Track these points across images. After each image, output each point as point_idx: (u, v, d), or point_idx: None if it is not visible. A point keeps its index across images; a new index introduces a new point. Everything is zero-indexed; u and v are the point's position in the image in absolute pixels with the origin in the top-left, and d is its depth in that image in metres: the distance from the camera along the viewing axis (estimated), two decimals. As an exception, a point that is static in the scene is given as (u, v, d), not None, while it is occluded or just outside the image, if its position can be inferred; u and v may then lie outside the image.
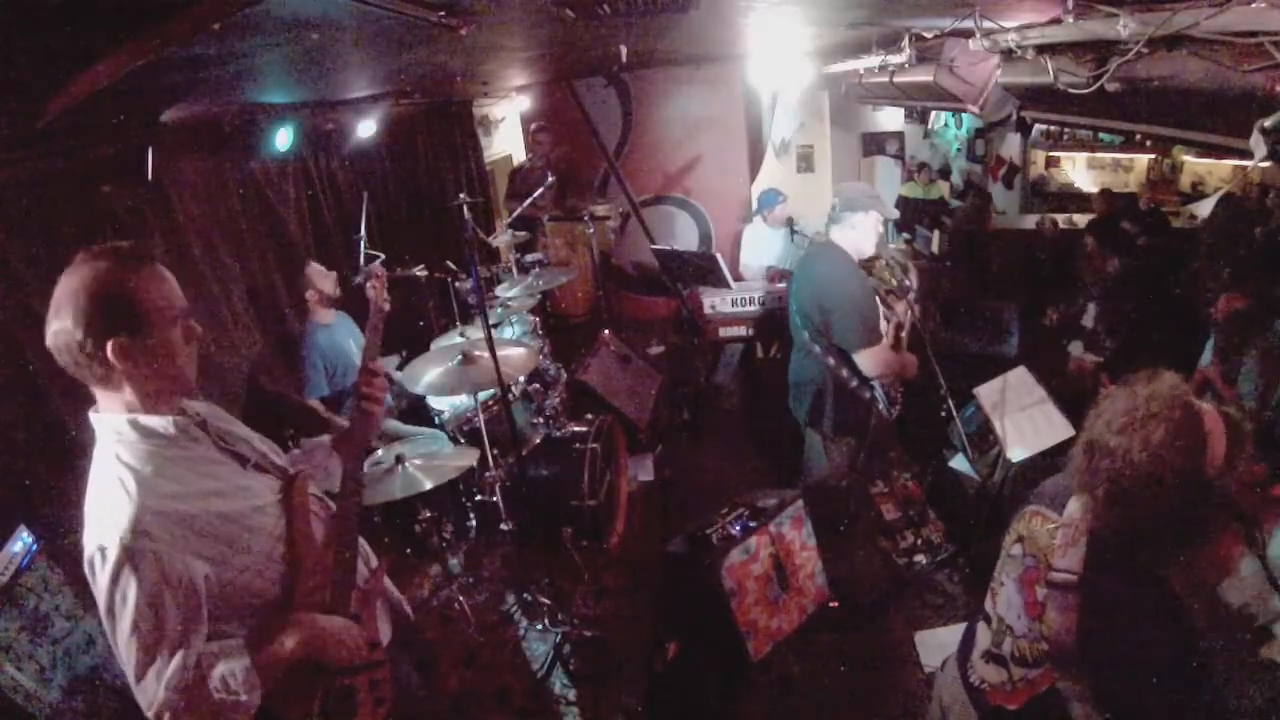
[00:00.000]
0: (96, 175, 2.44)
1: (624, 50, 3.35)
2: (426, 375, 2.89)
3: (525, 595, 3.04)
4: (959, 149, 8.36)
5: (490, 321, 2.94)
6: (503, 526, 3.04)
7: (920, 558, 3.32)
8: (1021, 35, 1.99)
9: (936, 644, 2.80)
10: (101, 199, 2.48)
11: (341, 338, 3.36)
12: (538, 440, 3.39)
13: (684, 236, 6.10)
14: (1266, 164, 1.29)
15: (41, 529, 2.02)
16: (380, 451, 2.85)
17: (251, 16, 1.25)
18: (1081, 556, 1.23)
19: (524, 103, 5.92)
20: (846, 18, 2.57)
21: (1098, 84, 1.66)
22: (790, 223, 4.95)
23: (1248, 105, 1.29)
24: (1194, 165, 7.34)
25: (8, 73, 1.43)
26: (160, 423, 1.30)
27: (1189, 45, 1.40)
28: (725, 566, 2.71)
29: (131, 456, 1.25)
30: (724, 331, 4.54)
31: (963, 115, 7.33)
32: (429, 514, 3.13)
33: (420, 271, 3.70)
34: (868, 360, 2.78)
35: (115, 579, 1.16)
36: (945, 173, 8.44)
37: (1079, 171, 8.63)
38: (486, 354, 2.70)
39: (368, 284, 2.15)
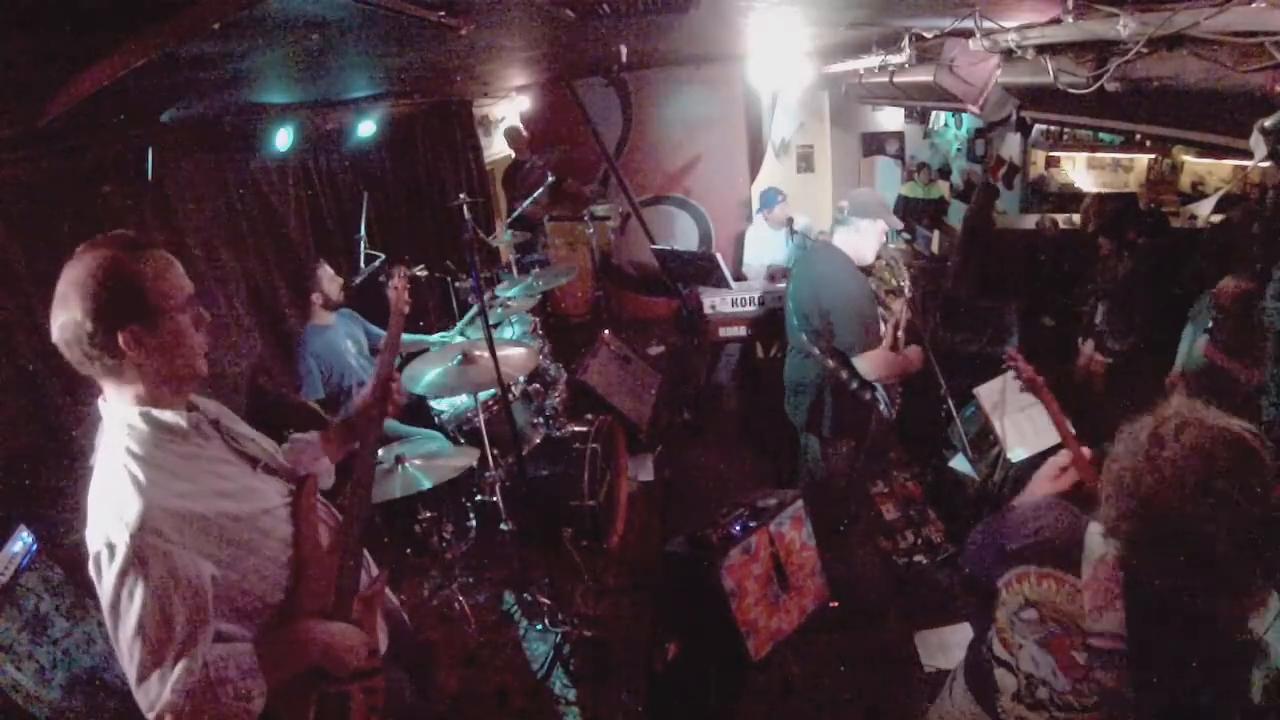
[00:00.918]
0: (96, 175, 2.44)
1: (624, 50, 3.34)
2: (426, 375, 2.90)
3: (525, 595, 3.04)
4: (959, 149, 8.35)
5: (490, 321, 2.94)
6: (503, 526, 3.03)
7: (920, 558, 3.32)
8: (1021, 35, 1.98)
9: (937, 644, 2.80)
10: (101, 199, 2.48)
11: (338, 339, 3.35)
12: (538, 440, 3.39)
13: (684, 236, 6.10)
14: (1266, 164, 1.29)
15: (41, 529, 2.02)
16: (380, 451, 2.85)
17: (251, 16, 1.25)
18: (1121, 619, 1.15)
19: (524, 103, 5.92)
20: (846, 18, 2.57)
21: (1098, 84, 1.66)
22: (790, 222, 4.95)
23: (1248, 105, 1.29)
24: (1194, 165, 7.33)
25: (8, 73, 1.43)
26: (173, 416, 1.28)
27: (1189, 45, 1.40)
28: (725, 566, 2.71)
29: (142, 450, 1.23)
30: (724, 331, 4.54)
31: (963, 115, 7.32)
32: (429, 514, 3.13)
33: (420, 271, 3.70)
34: (867, 364, 2.78)
35: (123, 576, 1.13)
36: (945, 173, 8.43)
37: (1079, 171, 8.62)
38: (486, 354, 2.71)
39: (389, 286, 2.15)
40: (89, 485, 1.24)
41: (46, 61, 1.44)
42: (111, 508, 1.17)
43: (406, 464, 2.68)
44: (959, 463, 3.54)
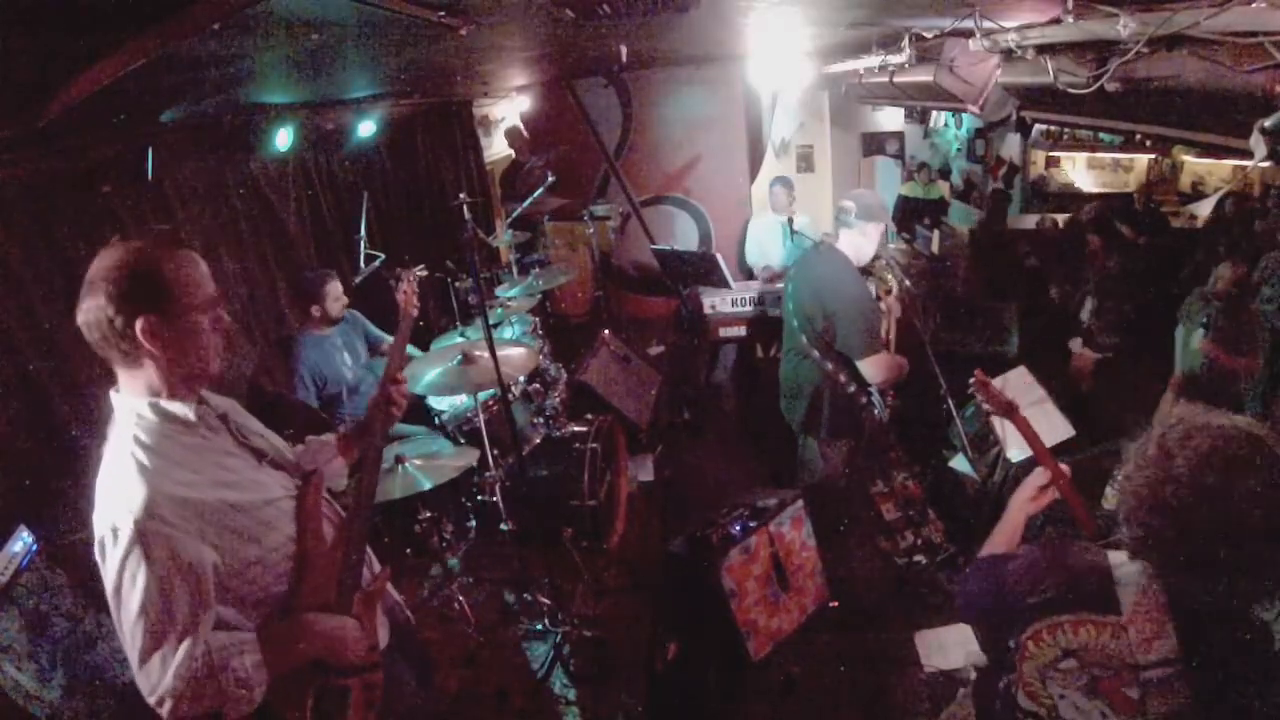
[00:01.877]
0: (96, 175, 2.44)
1: (624, 50, 3.34)
2: (426, 375, 2.90)
3: (525, 595, 3.04)
4: (959, 149, 8.36)
5: (491, 321, 2.94)
6: (503, 526, 3.03)
7: (920, 558, 3.32)
8: (1021, 35, 1.99)
9: (937, 644, 2.80)
10: (101, 199, 2.48)
11: (334, 350, 3.33)
12: (538, 440, 3.38)
13: (684, 236, 6.10)
14: (1266, 164, 1.29)
15: (41, 529, 2.02)
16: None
17: (251, 16, 1.25)
18: (1175, 644, 1.12)
19: (524, 103, 5.92)
20: (846, 18, 2.57)
21: (1098, 84, 1.67)
22: (790, 221, 4.95)
23: (1248, 105, 1.29)
24: (1194, 165, 7.34)
25: (8, 73, 1.43)
26: (181, 408, 1.31)
27: (1189, 45, 1.40)
28: (725, 566, 2.71)
29: (149, 439, 1.26)
30: (723, 331, 4.54)
31: (963, 115, 7.32)
32: (429, 514, 3.12)
33: (420, 271, 3.69)
34: (871, 368, 2.78)
35: (126, 559, 1.16)
36: (945, 173, 8.44)
37: (1079, 171, 8.63)
38: (486, 354, 2.71)
39: (398, 290, 2.16)
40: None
41: (46, 61, 1.45)
42: (117, 493, 1.20)
43: (406, 464, 2.68)
44: (959, 463, 3.55)
